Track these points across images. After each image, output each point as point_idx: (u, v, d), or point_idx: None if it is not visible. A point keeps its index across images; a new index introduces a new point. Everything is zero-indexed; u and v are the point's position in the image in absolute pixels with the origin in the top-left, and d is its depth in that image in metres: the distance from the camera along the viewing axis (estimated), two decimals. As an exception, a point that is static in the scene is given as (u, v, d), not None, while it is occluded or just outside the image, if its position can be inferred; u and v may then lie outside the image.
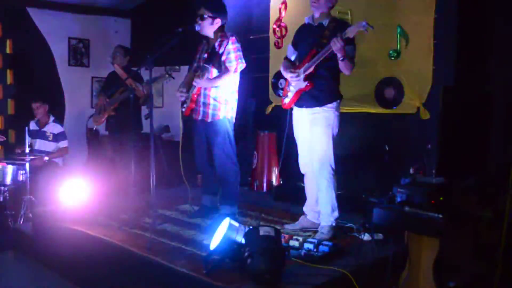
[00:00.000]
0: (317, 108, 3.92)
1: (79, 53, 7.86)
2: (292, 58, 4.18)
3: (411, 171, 3.70)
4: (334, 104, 3.93)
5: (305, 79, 3.89)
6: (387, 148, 4.74)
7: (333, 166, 3.93)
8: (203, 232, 4.03)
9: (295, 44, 4.17)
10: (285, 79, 4.12)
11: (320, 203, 4.01)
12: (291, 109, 4.15)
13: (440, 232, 2.98)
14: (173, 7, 7.01)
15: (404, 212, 3.12)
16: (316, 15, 3.96)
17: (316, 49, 3.83)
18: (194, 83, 4.32)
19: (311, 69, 3.86)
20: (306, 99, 3.96)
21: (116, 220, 4.41)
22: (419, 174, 3.64)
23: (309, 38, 3.97)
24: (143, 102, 5.59)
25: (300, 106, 4.04)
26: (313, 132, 3.95)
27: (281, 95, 4.26)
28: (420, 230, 3.13)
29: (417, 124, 4.62)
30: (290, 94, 4.04)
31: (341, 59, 3.68)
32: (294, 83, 3.97)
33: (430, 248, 3.14)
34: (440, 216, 2.93)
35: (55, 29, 7.50)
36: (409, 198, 3.17)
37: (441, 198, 3.07)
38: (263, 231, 3.12)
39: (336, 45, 3.60)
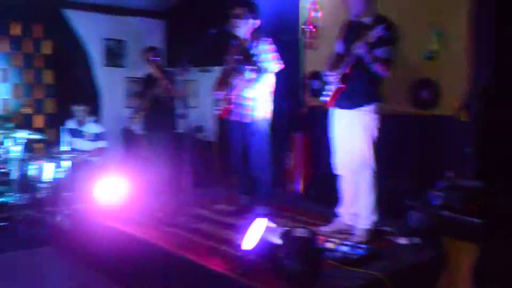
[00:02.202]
0: (353, 111, 3.89)
1: (114, 54, 7.99)
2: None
3: (449, 174, 3.65)
4: (371, 107, 3.86)
5: (340, 80, 3.87)
6: (424, 151, 4.67)
7: (374, 169, 3.89)
8: (237, 232, 4.04)
9: (340, 40, 4.10)
10: (318, 81, 4.12)
11: (359, 206, 3.97)
12: (331, 109, 4.13)
13: (479, 237, 2.94)
14: (207, 8, 7.06)
15: (442, 216, 3.09)
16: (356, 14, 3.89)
17: (352, 50, 3.78)
18: (234, 84, 4.32)
19: (346, 70, 3.82)
20: (343, 99, 3.93)
21: (151, 218, 4.47)
22: (457, 177, 3.59)
23: (350, 36, 3.92)
24: (162, 92, 5.51)
25: (338, 106, 4.01)
26: (352, 135, 3.92)
27: (324, 95, 4.23)
28: (458, 235, 3.09)
29: (454, 126, 4.53)
30: (331, 93, 4.02)
31: (368, 63, 3.64)
32: (333, 82, 3.96)
33: (469, 254, 3.09)
34: (479, 221, 2.88)
35: (91, 30, 7.64)
36: (447, 202, 3.14)
37: (480, 203, 3.03)
38: (298, 232, 3.11)
39: (359, 50, 3.58)
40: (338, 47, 4.13)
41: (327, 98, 4.06)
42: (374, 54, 3.63)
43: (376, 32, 3.53)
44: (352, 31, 3.92)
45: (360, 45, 3.56)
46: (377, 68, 3.68)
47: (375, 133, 3.89)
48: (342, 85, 3.85)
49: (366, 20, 3.82)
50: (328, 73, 3.96)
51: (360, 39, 3.59)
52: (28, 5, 6.94)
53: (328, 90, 4.05)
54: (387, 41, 3.68)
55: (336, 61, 4.05)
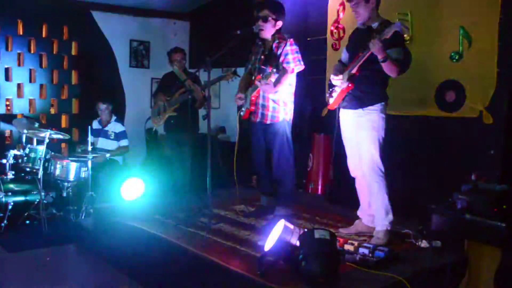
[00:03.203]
0: (360, 111, 3.89)
1: (139, 55, 8.09)
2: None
3: (473, 177, 3.58)
4: (378, 106, 3.87)
5: (347, 80, 3.87)
6: (448, 153, 4.60)
7: (382, 169, 3.87)
8: (257, 233, 4.06)
9: (347, 48, 4.16)
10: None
11: (373, 207, 3.95)
12: (338, 111, 4.13)
13: (502, 241, 2.88)
14: (231, 9, 7.09)
15: (465, 220, 3.03)
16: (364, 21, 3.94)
17: (362, 51, 3.78)
18: (258, 85, 4.31)
19: (354, 70, 3.83)
20: (349, 100, 3.94)
21: (172, 218, 4.50)
22: (481, 180, 3.52)
23: (358, 41, 3.95)
24: (199, 105, 5.67)
25: (344, 107, 4.02)
26: (359, 136, 3.93)
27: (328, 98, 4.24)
28: (481, 238, 3.04)
29: (479, 129, 4.46)
30: (335, 95, 4.02)
31: (381, 60, 3.64)
32: (338, 84, 3.97)
33: (492, 258, 3.04)
34: (503, 225, 2.83)
35: (117, 32, 7.76)
36: (470, 205, 3.09)
37: (505, 207, 2.97)
38: (318, 234, 3.10)
39: (374, 46, 3.59)
40: (344, 55, 4.18)
41: (331, 100, 4.06)
42: (389, 53, 3.66)
43: (393, 27, 3.55)
44: (359, 37, 3.97)
45: (375, 42, 3.57)
46: (388, 66, 3.68)
47: (382, 133, 3.88)
48: (350, 85, 3.85)
49: (374, 25, 3.87)
50: (332, 75, 3.98)
51: (375, 37, 3.61)
52: (55, 7, 7.08)
53: (331, 93, 4.06)
54: (398, 42, 3.73)
55: (341, 68, 4.06)
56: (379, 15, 3.94)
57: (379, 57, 3.63)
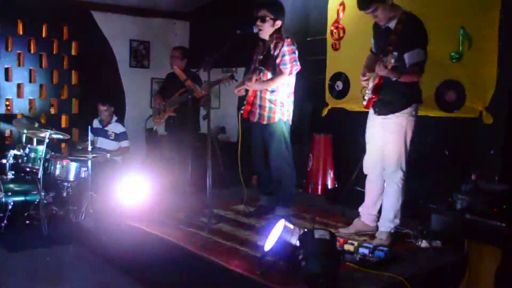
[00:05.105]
0: (390, 115, 3.81)
1: (139, 55, 8.09)
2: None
3: (473, 177, 3.58)
4: (408, 109, 3.77)
5: (372, 91, 3.80)
6: (447, 153, 4.60)
7: (405, 171, 3.82)
8: (258, 233, 4.05)
9: (374, 40, 4.05)
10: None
11: (384, 208, 3.91)
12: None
13: (502, 241, 2.88)
14: (231, 9, 7.09)
15: (465, 220, 3.04)
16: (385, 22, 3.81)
17: (382, 57, 3.65)
18: (246, 86, 4.34)
19: (376, 80, 3.76)
20: (378, 105, 3.87)
21: (172, 218, 4.50)
22: (481, 180, 3.52)
23: (379, 41, 3.88)
24: (203, 103, 5.68)
25: (375, 112, 3.94)
26: (385, 137, 3.85)
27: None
28: (481, 239, 3.04)
29: (479, 129, 4.47)
30: (367, 98, 3.93)
31: (394, 79, 3.56)
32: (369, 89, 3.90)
33: (492, 258, 3.04)
34: (503, 225, 2.83)
35: (117, 32, 7.76)
36: (470, 205, 3.09)
37: (505, 206, 2.97)
38: (318, 234, 3.10)
39: (381, 72, 3.52)
40: (373, 46, 4.09)
41: (364, 103, 4.00)
42: (404, 65, 3.54)
43: (391, 57, 3.44)
44: (380, 37, 3.88)
45: (381, 69, 3.49)
46: (407, 77, 3.59)
47: (410, 135, 3.81)
48: (373, 96, 3.79)
49: (392, 24, 3.75)
50: (362, 78, 3.90)
51: (384, 62, 3.49)
52: (55, 7, 7.07)
53: (367, 94, 4.00)
54: (418, 42, 3.63)
55: (372, 61, 3.95)
56: (395, 8, 3.76)
57: (392, 78, 3.54)
